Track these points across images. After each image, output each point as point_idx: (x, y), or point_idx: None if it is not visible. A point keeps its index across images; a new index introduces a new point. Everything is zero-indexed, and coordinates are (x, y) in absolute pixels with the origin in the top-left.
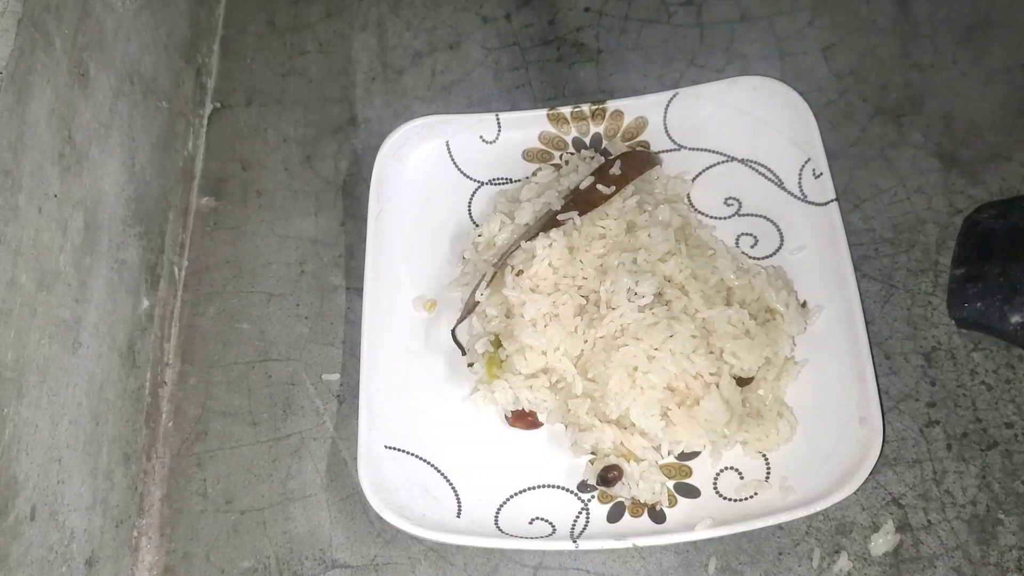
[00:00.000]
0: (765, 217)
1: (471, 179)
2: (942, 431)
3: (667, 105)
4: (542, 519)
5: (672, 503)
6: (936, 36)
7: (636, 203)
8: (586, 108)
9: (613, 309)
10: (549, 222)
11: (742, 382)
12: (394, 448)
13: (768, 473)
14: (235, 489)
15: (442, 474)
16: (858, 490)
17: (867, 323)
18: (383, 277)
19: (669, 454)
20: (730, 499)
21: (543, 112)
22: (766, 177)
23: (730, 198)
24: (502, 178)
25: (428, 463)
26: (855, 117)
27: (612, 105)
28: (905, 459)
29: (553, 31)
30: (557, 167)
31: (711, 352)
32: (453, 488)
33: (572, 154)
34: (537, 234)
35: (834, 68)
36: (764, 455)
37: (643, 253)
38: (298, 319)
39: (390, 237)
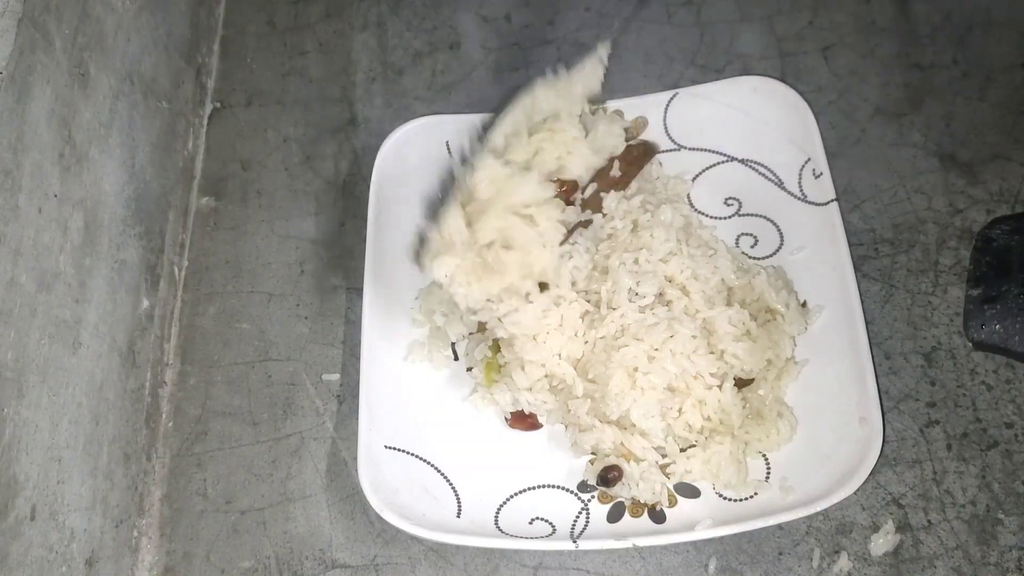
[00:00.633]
0: (765, 217)
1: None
2: (942, 431)
3: (667, 105)
4: (542, 519)
5: (672, 503)
6: (936, 36)
7: (640, 203)
8: (586, 108)
9: (614, 310)
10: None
11: (743, 383)
12: (394, 448)
13: (768, 473)
14: (235, 489)
15: (442, 474)
16: (858, 490)
17: (867, 323)
18: (383, 277)
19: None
20: (730, 499)
21: None
22: (766, 177)
23: (730, 198)
24: None
25: (428, 463)
26: (855, 117)
27: (612, 105)
28: (905, 459)
29: (553, 31)
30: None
31: (711, 352)
32: (453, 488)
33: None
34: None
35: (834, 68)
36: (764, 455)
37: (644, 253)
38: (298, 319)
39: (390, 237)
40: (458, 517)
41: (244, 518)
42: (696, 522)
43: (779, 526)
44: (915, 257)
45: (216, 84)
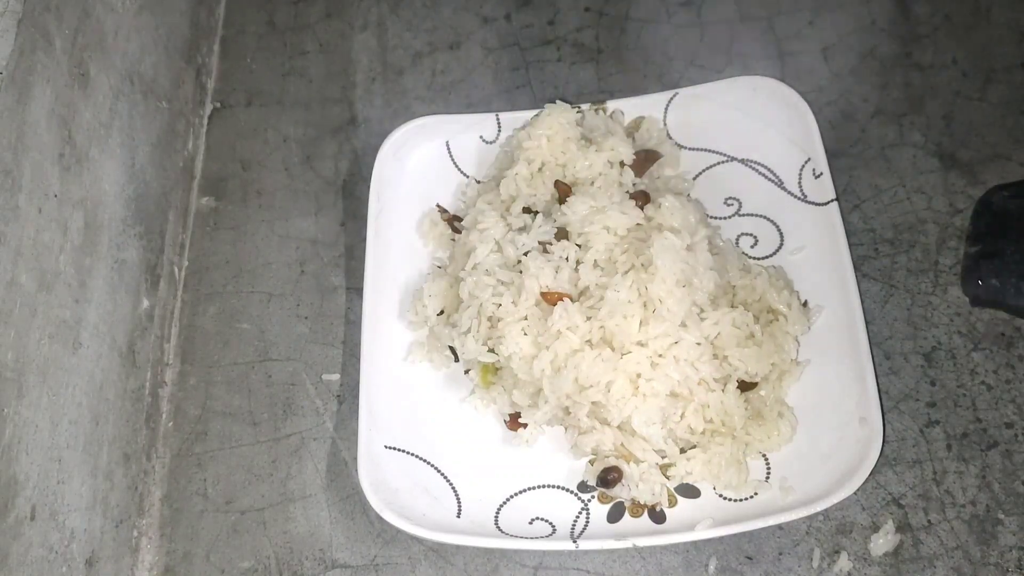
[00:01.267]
0: (765, 217)
1: (471, 179)
2: (942, 431)
3: (667, 105)
4: (542, 519)
5: (672, 503)
6: (936, 36)
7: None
8: (586, 108)
9: (613, 314)
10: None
11: (746, 386)
12: (394, 448)
13: (768, 473)
14: (235, 489)
15: (442, 474)
16: (858, 490)
17: (867, 323)
18: (383, 277)
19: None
20: (730, 499)
21: None
22: (766, 177)
23: (730, 198)
24: None
25: (428, 463)
26: (855, 117)
27: (612, 105)
28: (905, 459)
29: (553, 31)
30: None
31: (715, 356)
32: (453, 488)
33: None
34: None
35: (834, 68)
36: (764, 455)
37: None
38: (298, 319)
39: (390, 237)
40: (458, 517)
41: (244, 518)
42: (696, 522)
43: (779, 526)
44: (915, 257)
45: (216, 84)
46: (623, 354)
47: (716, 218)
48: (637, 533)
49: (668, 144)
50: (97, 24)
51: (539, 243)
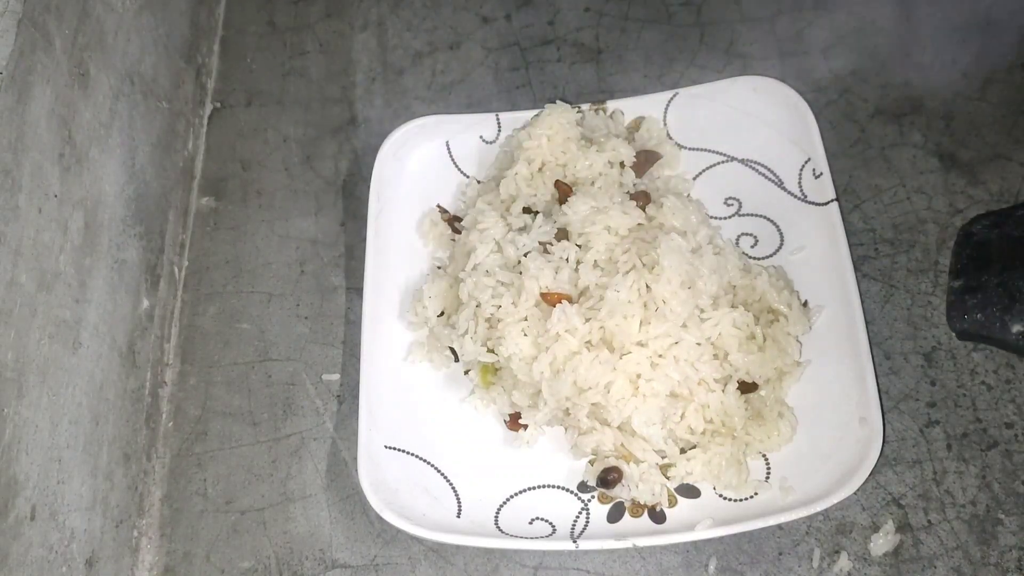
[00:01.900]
0: (765, 217)
1: (471, 179)
2: (942, 431)
3: (667, 105)
4: (542, 519)
5: (672, 503)
6: (936, 36)
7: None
8: (586, 108)
9: (613, 314)
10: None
11: (747, 387)
12: (394, 448)
13: (768, 473)
14: (235, 489)
15: (442, 474)
16: (858, 490)
17: (867, 323)
18: (383, 277)
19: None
20: (730, 499)
21: None
22: (766, 177)
23: (730, 198)
24: None
25: (428, 463)
26: (855, 117)
27: (612, 105)
28: (905, 459)
29: (553, 31)
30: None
31: (715, 357)
32: (453, 488)
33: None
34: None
35: (834, 68)
36: (764, 455)
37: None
38: (298, 319)
39: (390, 237)
40: (458, 517)
41: (244, 518)
42: (696, 522)
43: (779, 526)
44: (915, 257)
45: (216, 84)
46: (623, 354)
47: (716, 218)
48: (637, 533)
49: (668, 144)
50: (97, 24)
51: (539, 243)
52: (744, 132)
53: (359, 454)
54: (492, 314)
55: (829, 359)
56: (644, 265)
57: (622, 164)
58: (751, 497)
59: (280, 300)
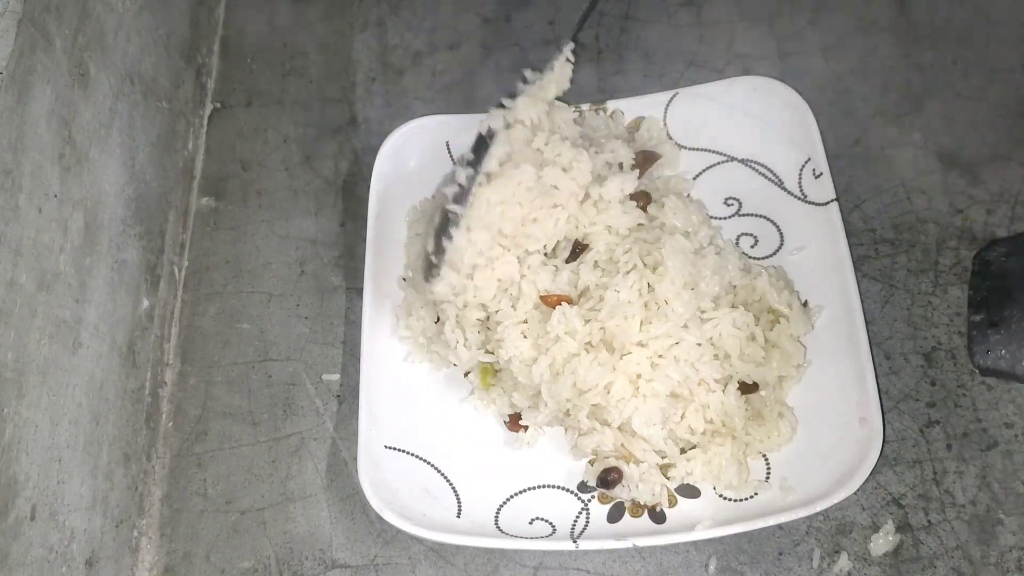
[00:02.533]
0: (765, 217)
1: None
2: (942, 431)
3: (667, 105)
4: (542, 519)
5: (672, 503)
6: (936, 36)
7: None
8: (586, 108)
9: (613, 314)
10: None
11: (748, 388)
12: (394, 448)
13: (768, 473)
14: (235, 489)
15: (442, 474)
16: (858, 490)
17: (867, 323)
18: (383, 277)
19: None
20: (730, 499)
21: None
22: (766, 177)
23: (730, 198)
24: None
25: (428, 463)
26: (855, 117)
27: (612, 105)
28: (905, 459)
29: (553, 31)
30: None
31: (716, 357)
32: (453, 488)
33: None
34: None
35: (834, 68)
36: (764, 455)
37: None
38: (298, 319)
39: (390, 237)
40: (458, 517)
41: (244, 518)
42: (696, 522)
43: (779, 526)
44: (915, 257)
45: (216, 84)
46: (623, 355)
47: (716, 218)
48: (637, 533)
49: (668, 144)
50: (97, 24)
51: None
52: (744, 132)
53: (359, 454)
54: (487, 316)
55: (829, 359)
56: (646, 265)
57: (620, 165)
58: (751, 497)
59: (280, 300)
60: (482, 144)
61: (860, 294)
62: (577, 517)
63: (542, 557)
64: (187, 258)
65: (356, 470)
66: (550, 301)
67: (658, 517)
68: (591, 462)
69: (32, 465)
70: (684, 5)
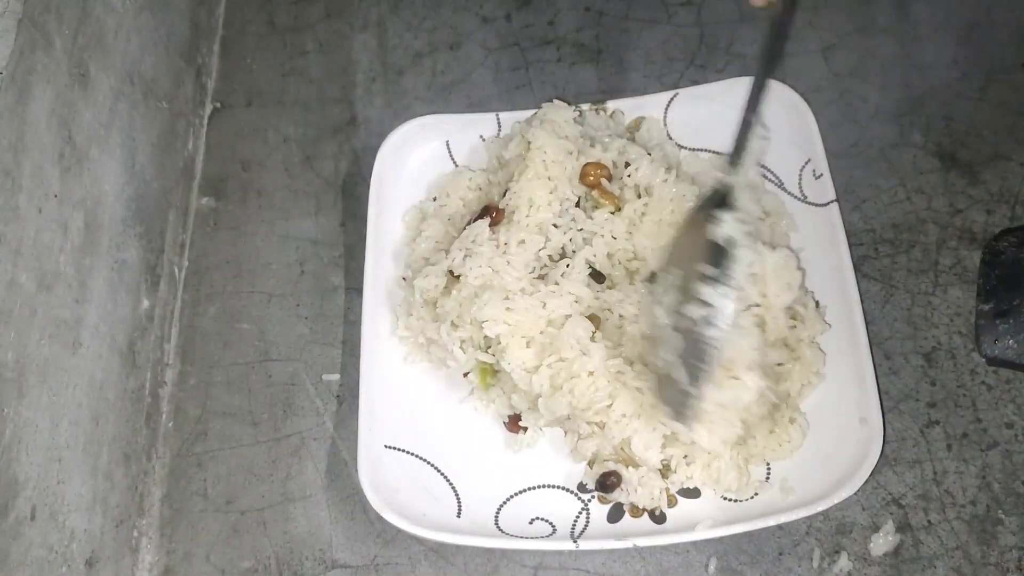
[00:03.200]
0: None
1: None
2: (942, 431)
3: (667, 105)
4: (542, 519)
5: (672, 503)
6: (936, 36)
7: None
8: (586, 108)
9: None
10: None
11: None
12: (394, 448)
13: (768, 473)
14: (235, 489)
15: (442, 474)
16: (858, 490)
17: (867, 323)
18: (383, 277)
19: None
20: (730, 499)
21: None
22: (766, 177)
23: None
24: None
25: (428, 463)
26: (855, 117)
27: (612, 105)
28: (905, 459)
29: (553, 31)
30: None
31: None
32: (453, 488)
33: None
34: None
35: (834, 68)
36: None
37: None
38: (298, 319)
39: (390, 237)
40: (458, 517)
41: (244, 518)
42: (696, 522)
43: (779, 526)
44: (915, 257)
45: (216, 84)
46: (637, 372)
47: None
48: (637, 533)
49: (668, 144)
50: (97, 24)
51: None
52: None
53: (359, 454)
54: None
55: (829, 359)
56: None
57: (626, 164)
58: (751, 497)
59: (280, 300)
60: (719, 252)
61: (860, 294)
62: (577, 517)
63: (542, 557)
64: (187, 258)
65: (356, 470)
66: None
67: (658, 517)
68: (590, 464)
69: (32, 465)
70: (684, 5)
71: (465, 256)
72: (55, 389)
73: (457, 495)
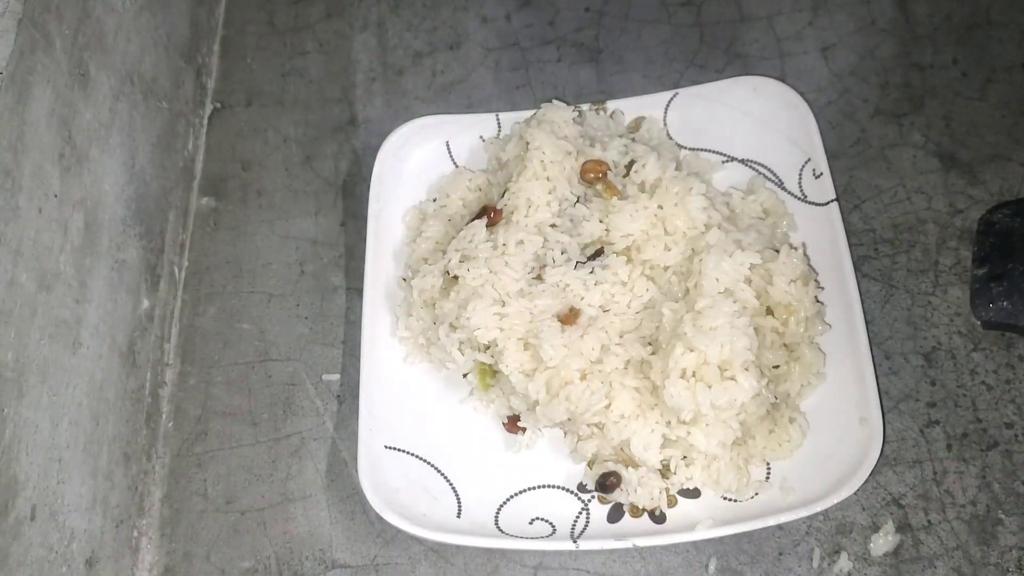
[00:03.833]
0: None
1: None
2: (942, 431)
3: (667, 105)
4: (542, 519)
5: (672, 503)
6: (936, 36)
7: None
8: (586, 108)
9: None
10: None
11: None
12: (394, 448)
13: (768, 473)
14: (235, 489)
15: (442, 474)
16: (858, 490)
17: (867, 323)
18: (383, 277)
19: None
20: (730, 499)
21: None
22: (766, 177)
23: None
24: None
25: (428, 463)
26: (855, 117)
27: (612, 105)
28: (905, 459)
29: (553, 31)
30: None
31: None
32: (453, 488)
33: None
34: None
35: (834, 68)
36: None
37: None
38: (298, 319)
39: (390, 237)
40: (458, 517)
41: (244, 518)
42: (696, 522)
43: (779, 526)
44: (915, 257)
45: (216, 84)
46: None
47: None
48: (637, 533)
49: (668, 144)
50: (97, 24)
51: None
52: (744, 132)
53: (359, 454)
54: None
55: (829, 359)
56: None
57: (631, 163)
58: (751, 497)
59: (280, 300)
60: None
61: (860, 294)
62: (577, 517)
63: (542, 557)
64: (187, 258)
65: (356, 470)
66: (568, 319)
67: (658, 517)
68: (590, 464)
69: (32, 465)
70: (684, 5)
71: (461, 257)
72: (55, 389)
73: (457, 495)
